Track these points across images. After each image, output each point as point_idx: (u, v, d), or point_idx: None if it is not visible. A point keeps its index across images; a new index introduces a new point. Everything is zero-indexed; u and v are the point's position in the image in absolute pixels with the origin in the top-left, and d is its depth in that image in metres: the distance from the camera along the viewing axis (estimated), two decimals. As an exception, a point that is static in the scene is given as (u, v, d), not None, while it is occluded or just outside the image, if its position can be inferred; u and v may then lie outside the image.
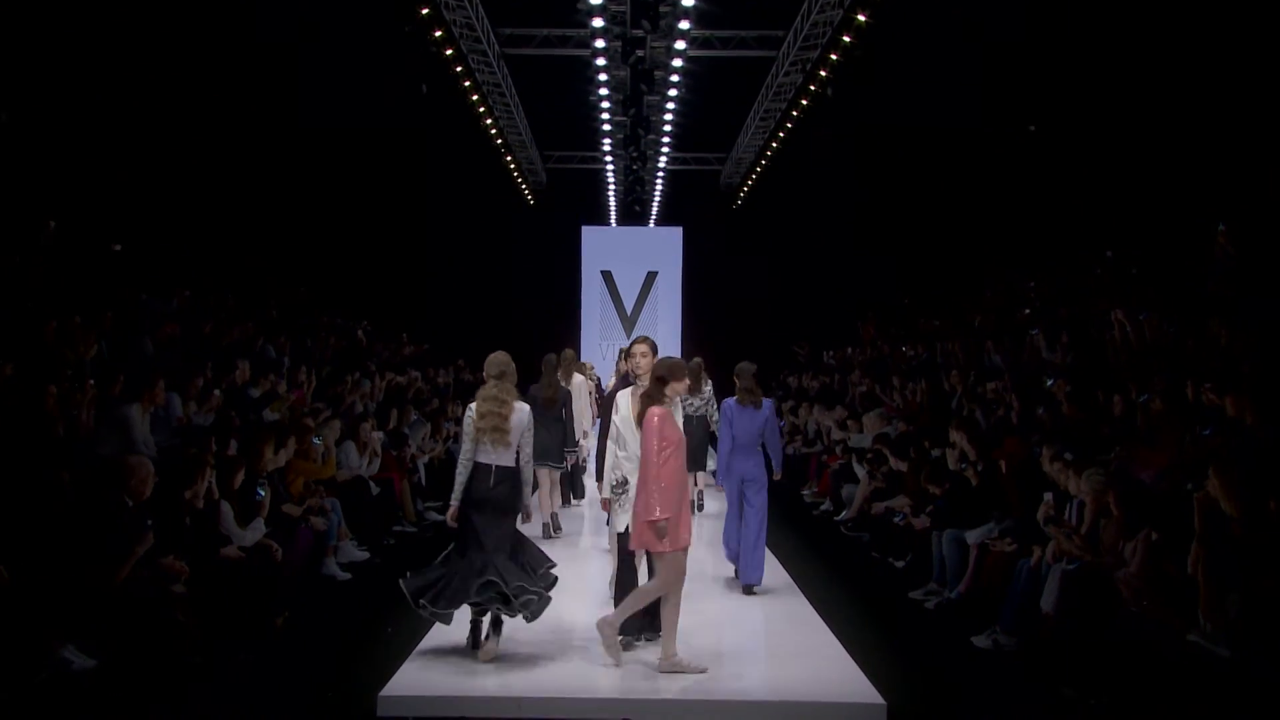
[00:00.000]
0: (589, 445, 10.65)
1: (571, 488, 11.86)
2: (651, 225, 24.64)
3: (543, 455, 8.94)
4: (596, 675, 6.00)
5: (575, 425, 10.04)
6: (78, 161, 12.76)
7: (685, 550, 5.92)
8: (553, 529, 9.89)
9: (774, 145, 18.52)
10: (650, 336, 6.70)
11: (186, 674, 5.91)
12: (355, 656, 6.45)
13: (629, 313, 23.84)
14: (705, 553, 9.19)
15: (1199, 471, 6.12)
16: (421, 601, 6.02)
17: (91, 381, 7.91)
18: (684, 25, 13.76)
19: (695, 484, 10.71)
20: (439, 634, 6.62)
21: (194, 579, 6.32)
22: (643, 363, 6.41)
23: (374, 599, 7.96)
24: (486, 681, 5.86)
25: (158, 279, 12.26)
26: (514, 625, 6.29)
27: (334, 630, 7.20)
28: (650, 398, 5.91)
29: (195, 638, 6.09)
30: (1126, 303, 10.64)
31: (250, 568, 7.01)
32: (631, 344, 6.62)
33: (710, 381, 10.80)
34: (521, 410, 6.23)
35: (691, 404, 10.17)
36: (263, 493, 7.79)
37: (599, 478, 6.78)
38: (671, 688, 5.83)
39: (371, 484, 10.23)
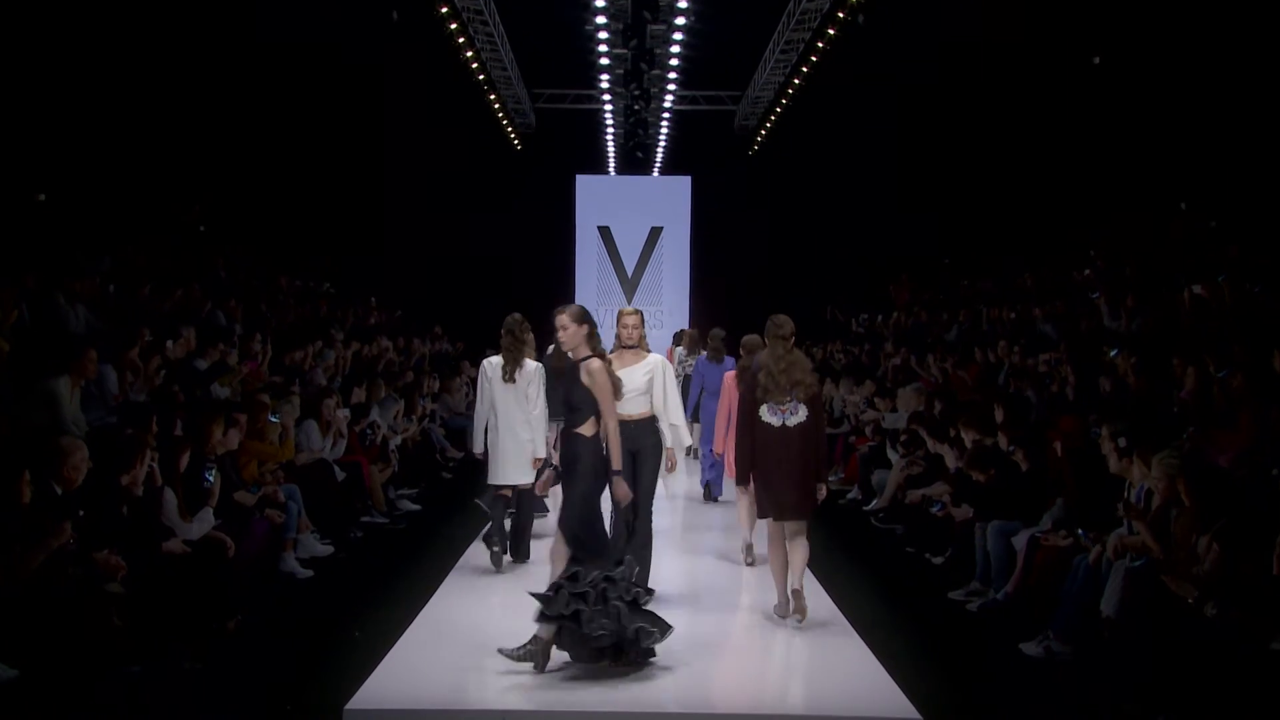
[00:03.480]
0: None
1: None
2: (656, 174, 24.59)
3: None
4: (589, 687, 6.01)
5: None
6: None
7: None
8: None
9: (796, 82, 18.42)
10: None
11: (123, 685, 5.88)
12: (317, 664, 6.45)
13: (630, 273, 23.78)
14: (715, 563, 9.24)
15: (1285, 455, 6.09)
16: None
17: None
18: (693, -58, 13.62)
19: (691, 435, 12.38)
20: (411, 640, 6.64)
21: (132, 577, 6.30)
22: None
23: (339, 599, 7.99)
24: (466, 693, 5.88)
25: (88, 233, 12.20)
26: (506, 632, 6.38)
27: (293, 635, 7.21)
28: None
29: (133, 644, 6.07)
30: (1203, 263, 10.59)
31: (197, 564, 6.99)
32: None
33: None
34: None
35: (690, 365, 12.93)
36: (211, 478, 7.78)
37: None
38: (674, 699, 5.84)
39: (336, 468, 10.26)
